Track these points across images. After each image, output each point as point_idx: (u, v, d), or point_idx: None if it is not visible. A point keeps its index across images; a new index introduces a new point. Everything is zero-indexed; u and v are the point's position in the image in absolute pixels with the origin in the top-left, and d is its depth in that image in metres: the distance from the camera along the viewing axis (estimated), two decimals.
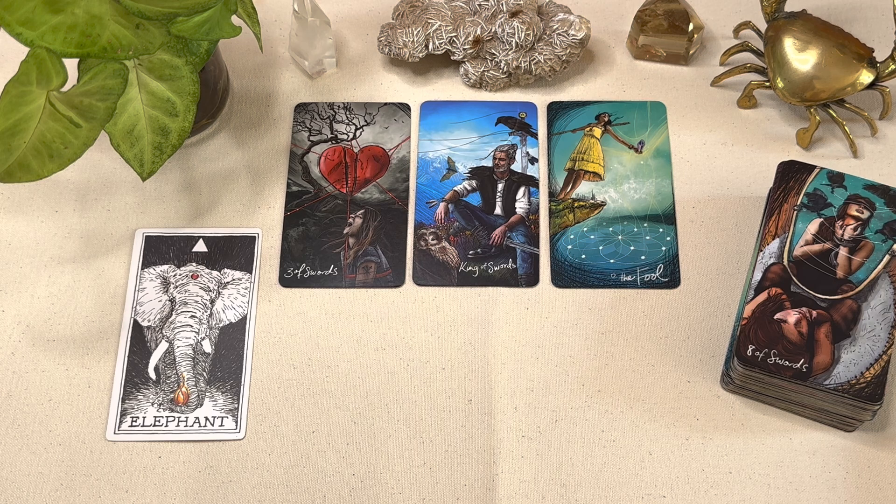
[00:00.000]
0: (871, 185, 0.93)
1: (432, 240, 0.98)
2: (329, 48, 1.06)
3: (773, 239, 0.91)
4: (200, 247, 0.98)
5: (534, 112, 1.05)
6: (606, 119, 1.04)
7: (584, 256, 0.97)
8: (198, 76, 0.91)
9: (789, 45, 1.02)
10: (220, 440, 0.89)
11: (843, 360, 0.85)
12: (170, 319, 0.94)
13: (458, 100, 1.06)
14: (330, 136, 1.04)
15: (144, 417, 0.89)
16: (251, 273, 0.96)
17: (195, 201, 1.00)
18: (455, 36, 1.04)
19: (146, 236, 0.98)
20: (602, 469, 0.87)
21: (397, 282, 0.96)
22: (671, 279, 0.96)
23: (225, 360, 0.92)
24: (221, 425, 0.89)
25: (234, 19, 0.94)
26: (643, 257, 0.97)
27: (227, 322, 0.94)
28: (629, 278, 0.96)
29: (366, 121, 1.05)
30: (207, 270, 0.96)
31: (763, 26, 1.09)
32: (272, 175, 1.02)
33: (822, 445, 0.88)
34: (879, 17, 1.11)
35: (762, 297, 0.88)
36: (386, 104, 1.06)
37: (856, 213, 0.91)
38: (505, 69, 1.05)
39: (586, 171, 1.02)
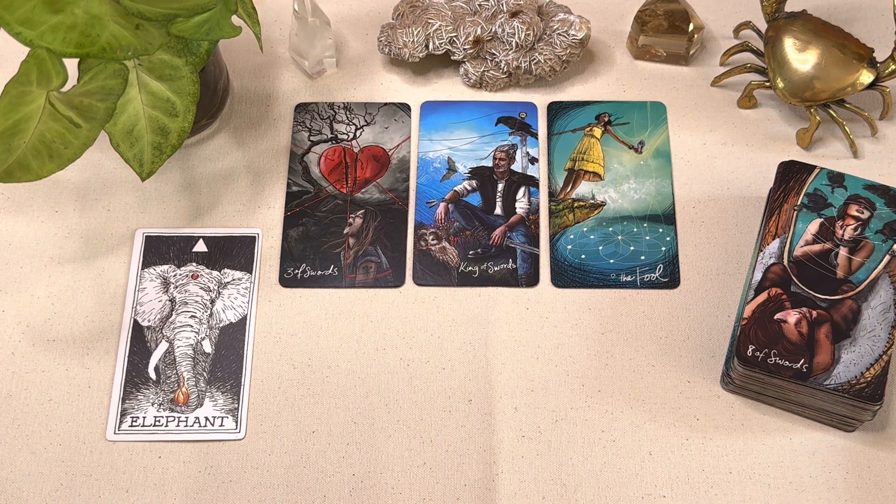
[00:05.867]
0: (871, 185, 0.93)
1: (432, 240, 0.98)
2: (329, 48, 1.06)
3: (773, 239, 0.91)
4: (200, 247, 0.98)
5: (534, 112, 1.05)
6: (606, 119, 1.04)
7: (583, 256, 0.97)
8: (198, 76, 0.91)
9: (789, 45, 1.02)
10: (220, 440, 0.89)
11: (843, 361, 0.85)
12: (170, 319, 0.94)
13: (458, 100, 1.06)
14: (330, 136, 1.04)
15: (144, 417, 0.89)
16: (251, 273, 0.96)
17: (195, 201, 1.00)
18: (455, 36, 1.04)
19: (146, 236, 0.98)
20: (602, 469, 0.87)
21: (397, 282, 0.96)
22: (671, 279, 0.96)
23: (225, 360, 0.92)
24: (221, 425, 0.89)
25: (234, 19, 0.94)
26: (643, 257, 0.97)
27: (227, 322, 0.94)
28: (629, 278, 0.96)
29: (366, 121, 1.05)
30: (207, 270, 0.96)
31: (763, 26, 1.09)
32: (272, 175, 1.02)
33: (822, 445, 0.88)
34: (879, 17, 1.11)
35: (762, 297, 0.88)
36: (386, 104, 1.06)
37: (856, 214, 0.91)
38: (505, 69, 1.05)
39: (586, 171, 1.02)
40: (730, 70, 1.05)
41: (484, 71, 1.05)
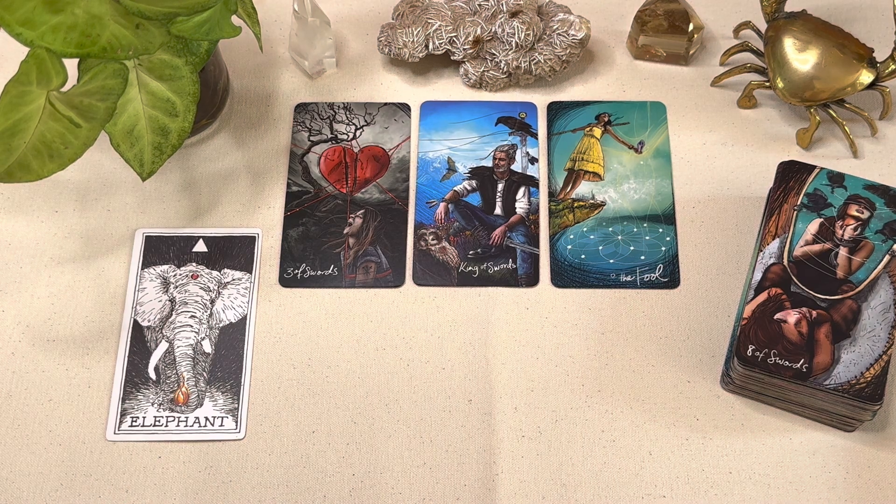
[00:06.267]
0: (871, 185, 0.93)
1: (432, 240, 0.98)
2: (329, 48, 1.06)
3: (773, 239, 0.91)
4: (200, 247, 0.98)
5: (534, 112, 1.05)
6: (606, 119, 1.04)
7: (583, 256, 0.97)
8: (198, 76, 0.91)
9: (789, 45, 1.02)
10: (220, 440, 0.89)
11: (843, 360, 0.85)
12: (170, 319, 0.94)
13: (458, 100, 1.06)
14: (330, 136, 1.04)
15: (144, 417, 0.89)
16: (251, 273, 0.96)
17: (195, 201, 1.00)
18: (455, 36, 1.04)
19: (146, 236, 0.98)
20: (602, 469, 0.87)
21: (397, 282, 0.96)
22: (671, 279, 0.96)
23: (225, 360, 0.92)
24: (221, 425, 0.89)
25: (234, 19, 0.94)
26: (643, 257, 0.97)
27: (227, 322, 0.94)
28: (629, 278, 0.96)
29: (366, 121, 1.05)
30: (207, 270, 0.96)
31: (763, 26, 1.09)
32: (272, 175, 1.02)
33: (822, 445, 0.88)
34: (879, 17, 1.11)
35: (762, 297, 0.88)
36: (386, 104, 1.06)
37: (856, 213, 0.91)
38: (505, 69, 1.05)
39: (586, 171, 1.02)
40: (730, 70, 1.05)
41: (484, 71, 1.05)
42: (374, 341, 0.93)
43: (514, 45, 1.04)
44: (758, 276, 0.89)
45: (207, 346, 0.93)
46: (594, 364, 0.92)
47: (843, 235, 0.90)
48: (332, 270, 0.97)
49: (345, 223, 0.99)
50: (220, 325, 0.94)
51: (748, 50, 1.06)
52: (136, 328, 0.94)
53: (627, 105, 1.05)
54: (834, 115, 1.01)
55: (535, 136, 1.04)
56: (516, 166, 1.02)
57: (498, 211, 1.00)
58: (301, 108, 1.06)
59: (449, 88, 1.07)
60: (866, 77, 1.00)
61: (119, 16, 0.83)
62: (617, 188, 1.00)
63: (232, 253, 0.97)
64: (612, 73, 1.08)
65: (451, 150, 1.03)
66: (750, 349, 0.86)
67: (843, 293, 0.88)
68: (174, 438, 0.89)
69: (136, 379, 0.91)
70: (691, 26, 1.05)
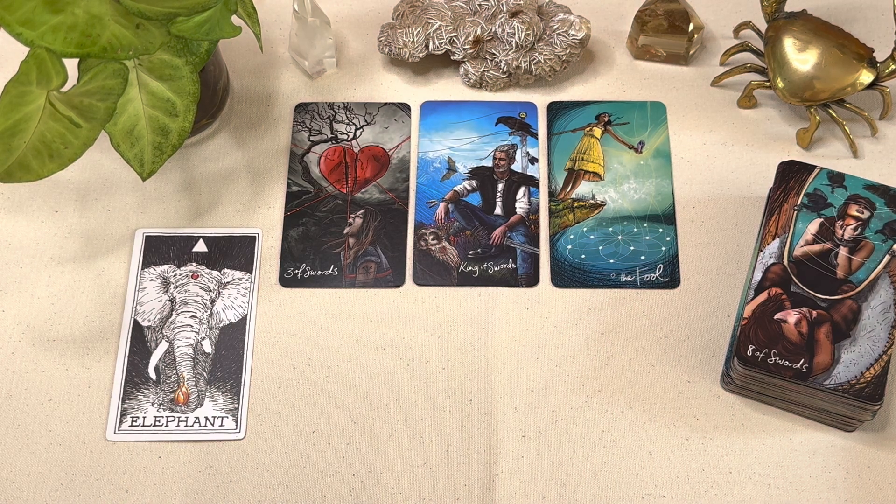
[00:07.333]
0: (871, 185, 0.93)
1: (432, 240, 0.98)
2: (329, 48, 1.06)
3: (773, 239, 0.91)
4: (200, 247, 0.98)
5: (534, 112, 1.05)
6: (606, 119, 1.04)
7: (583, 256, 0.97)
8: (198, 76, 0.91)
9: (789, 45, 1.02)
10: (220, 440, 0.89)
11: (843, 360, 0.85)
12: (170, 319, 0.94)
13: (458, 100, 1.06)
14: (330, 136, 1.04)
15: (144, 417, 0.89)
16: (251, 273, 0.96)
17: (195, 201, 1.00)
18: (455, 36, 1.04)
19: (146, 236, 0.98)
20: (602, 469, 0.87)
21: (397, 282, 0.96)
22: (671, 279, 0.96)
23: (225, 360, 0.92)
24: (221, 425, 0.89)
25: (234, 19, 0.94)
26: (643, 257, 0.97)
27: (227, 322, 0.94)
28: (629, 278, 0.96)
29: (366, 121, 1.05)
30: (207, 270, 0.96)
31: (763, 26, 1.09)
32: (272, 175, 1.02)
33: (822, 445, 0.88)
34: (879, 17, 1.11)
35: (762, 297, 0.88)
36: (386, 104, 1.06)
37: (856, 213, 0.91)
38: (505, 69, 1.05)
39: (586, 171, 1.02)
40: (730, 70, 1.05)
41: (484, 71, 1.05)
42: (374, 341, 0.93)
43: (514, 45, 1.04)
44: (758, 276, 0.89)
45: (207, 346, 0.93)
46: (594, 364, 0.92)
47: (843, 235, 0.90)
48: (332, 270, 0.97)
49: (345, 223, 0.99)
50: (220, 325, 0.94)
51: (748, 50, 1.06)
52: (136, 328, 0.94)
53: (627, 105, 1.05)
54: (834, 115, 1.01)
55: (535, 136, 1.04)
56: (516, 166, 1.02)
57: (498, 211, 1.00)
58: (301, 108, 1.06)
59: (449, 88, 1.07)
60: (866, 77, 1.00)
61: (119, 16, 0.83)
62: (617, 188, 1.00)
63: (232, 253, 0.97)
64: (612, 73, 1.08)
65: (451, 150, 1.03)
66: (750, 349, 0.86)
67: (843, 293, 0.88)
68: (174, 438, 0.89)
69: (136, 379, 0.91)
70: (691, 26, 1.05)
